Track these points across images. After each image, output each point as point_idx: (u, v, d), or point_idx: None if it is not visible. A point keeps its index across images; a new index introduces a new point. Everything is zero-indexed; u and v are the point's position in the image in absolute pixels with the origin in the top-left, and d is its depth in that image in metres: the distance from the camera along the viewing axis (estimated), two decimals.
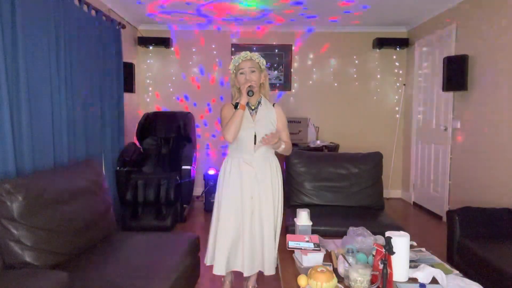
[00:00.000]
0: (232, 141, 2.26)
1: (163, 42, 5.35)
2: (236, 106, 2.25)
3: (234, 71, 2.34)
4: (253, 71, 2.29)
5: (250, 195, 2.29)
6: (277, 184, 2.39)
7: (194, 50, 5.60)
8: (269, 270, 2.31)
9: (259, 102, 2.36)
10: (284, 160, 3.48)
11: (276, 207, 2.36)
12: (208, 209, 4.61)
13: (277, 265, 2.29)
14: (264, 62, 2.37)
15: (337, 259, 1.92)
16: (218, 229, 2.30)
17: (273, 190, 2.34)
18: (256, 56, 2.32)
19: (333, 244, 2.26)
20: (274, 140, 2.20)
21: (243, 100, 2.22)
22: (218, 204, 2.37)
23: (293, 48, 5.60)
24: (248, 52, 2.33)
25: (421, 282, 1.72)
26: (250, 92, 2.21)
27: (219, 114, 2.42)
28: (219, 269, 2.26)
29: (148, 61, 5.62)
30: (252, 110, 2.34)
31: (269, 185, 2.32)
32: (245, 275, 2.29)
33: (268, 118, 2.34)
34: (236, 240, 2.28)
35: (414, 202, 5.28)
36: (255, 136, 2.29)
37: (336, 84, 5.64)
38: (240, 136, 2.27)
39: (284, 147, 2.34)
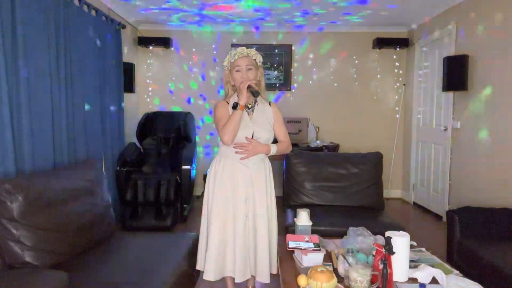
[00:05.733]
0: (230, 143, 2.14)
1: (163, 42, 5.35)
2: (234, 107, 2.12)
3: (229, 68, 2.22)
4: (250, 69, 2.17)
5: (244, 198, 2.17)
6: (270, 187, 2.29)
7: (194, 50, 5.60)
8: (262, 277, 2.16)
9: (256, 101, 2.26)
10: (284, 160, 3.48)
11: (270, 211, 2.26)
12: None
13: (277, 270, 2.22)
14: (261, 59, 2.26)
15: (337, 259, 1.92)
16: (209, 233, 2.19)
17: (267, 193, 2.24)
18: (253, 52, 2.21)
19: (333, 244, 2.26)
20: (245, 149, 2.14)
21: (242, 101, 2.09)
22: (208, 207, 2.26)
23: (293, 48, 5.60)
24: (244, 48, 2.19)
25: (421, 282, 1.72)
26: (256, 93, 2.09)
27: (213, 113, 2.30)
28: (208, 275, 2.15)
29: (148, 61, 5.62)
30: (249, 109, 2.24)
31: (263, 187, 2.22)
32: (236, 280, 2.17)
33: (265, 117, 2.25)
34: (227, 245, 2.17)
35: (414, 202, 5.28)
36: (252, 136, 2.18)
37: (336, 84, 5.64)
38: (238, 136, 2.15)
39: (280, 148, 2.26)
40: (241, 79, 2.16)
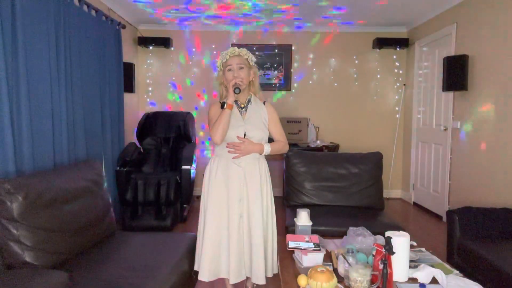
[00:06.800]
0: (220, 143, 2.14)
1: (163, 42, 5.36)
2: (223, 106, 2.12)
3: (222, 68, 2.24)
4: (241, 68, 2.17)
5: (238, 198, 2.14)
6: (266, 186, 2.25)
7: (194, 50, 5.60)
8: (257, 278, 2.12)
9: (249, 101, 2.25)
10: (284, 160, 3.48)
11: (266, 211, 2.23)
12: None
13: (277, 271, 2.19)
14: (253, 59, 2.26)
15: (337, 259, 1.92)
16: (204, 233, 2.16)
17: (262, 193, 2.21)
18: (244, 52, 2.21)
19: (333, 244, 2.26)
20: (237, 148, 2.13)
21: (230, 99, 2.09)
22: (204, 207, 2.24)
23: (293, 48, 5.60)
24: (235, 48, 2.20)
25: (421, 282, 1.72)
26: (236, 90, 2.08)
27: (207, 114, 2.29)
28: (203, 275, 2.13)
29: (148, 61, 5.62)
30: (242, 108, 2.23)
31: (258, 187, 2.19)
32: (231, 282, 2.14)
33: (259, 117, 2.23)
34: (222, 245, 2.15)
35: (414, 202, 5.28)
36: (244, 135, 2.17)
37: (336, 84, 5.64)
38: (230, 135, 2.15)
39: (275, 147, 2.24)
40: (232, 78, 2.15)
